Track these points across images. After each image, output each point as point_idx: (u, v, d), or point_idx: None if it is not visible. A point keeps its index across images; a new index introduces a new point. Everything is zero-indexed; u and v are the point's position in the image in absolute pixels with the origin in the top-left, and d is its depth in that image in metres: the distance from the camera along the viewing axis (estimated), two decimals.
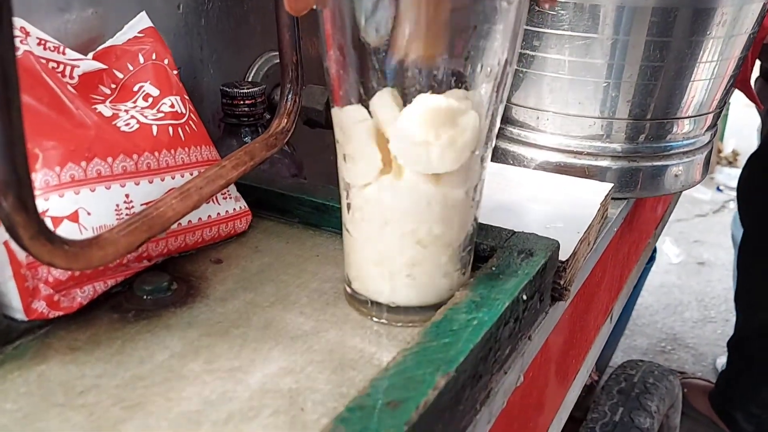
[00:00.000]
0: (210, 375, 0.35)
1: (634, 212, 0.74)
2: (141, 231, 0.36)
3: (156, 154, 0.42)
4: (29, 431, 0.31)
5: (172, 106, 0.45)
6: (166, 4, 0.58)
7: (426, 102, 0.34)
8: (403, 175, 0.36)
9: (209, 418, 0.32)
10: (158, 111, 0.44)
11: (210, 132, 0.49)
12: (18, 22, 0.41)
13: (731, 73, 0.65)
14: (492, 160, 0.60)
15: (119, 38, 0.48)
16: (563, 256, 0.46)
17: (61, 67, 0.43)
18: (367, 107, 0.36)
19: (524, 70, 0.63)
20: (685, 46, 0.59)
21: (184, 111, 0.46)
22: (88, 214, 0.38)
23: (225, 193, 0.47)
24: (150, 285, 0.41)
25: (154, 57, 0.47)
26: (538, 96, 0.64)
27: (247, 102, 0.58)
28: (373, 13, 0.34)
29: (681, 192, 0.74)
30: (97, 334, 0.38)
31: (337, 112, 0.38)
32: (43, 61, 0.41)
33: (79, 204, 0.38)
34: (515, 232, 0.45)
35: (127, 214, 0.40)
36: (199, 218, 0.45)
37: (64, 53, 0.44)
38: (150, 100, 0.45)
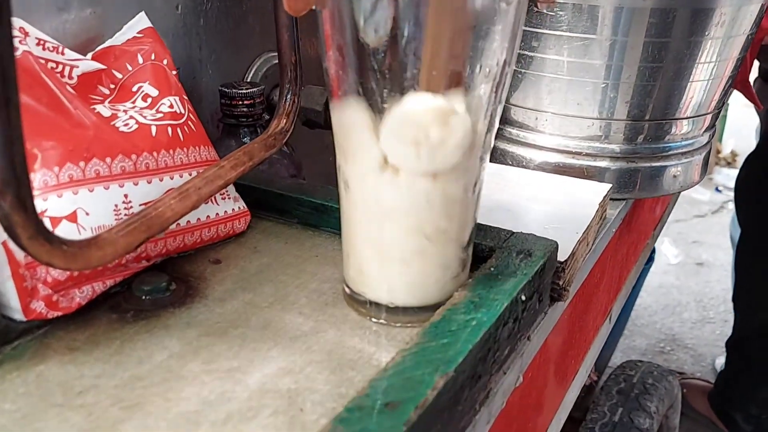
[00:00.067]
0: (209, 375, 0.35)
1: (632, 213, 0.75)
2: (140, 231, 0.36)
3: (155, 154, 0.42)
4: (28, 431, 0.31)
5: (171, 106, 0.45)
6: (165, 5, 0.58)
7: (416, 101, 0.34)
8: (400, 172, 0.36)
9: (208, 419, 0.32)
10: (157, 111, 0.44)
11: (209, 132, 0.49)
12: (17, 22, 0.41)
13: (730, 73, 0.65)
14: (491, 161, 0.60)
15: (118, 38, 0.48)
16: (562, 256, 0.46)
17: (60, 67, 0.43)
18: (366, 102, 0.36)
19: (523, 70, 0.63)
20: (683, 46, 0.59)
21: (182, 111, 0.46)
22: (87, 214, 0.38)
23: (224, 193, 0.47)
24: (149, 285, 0.41)
25: (153, 57, 0.47)
26: (537, 97, 0.64)
27: (245, 102, 0.58)
28: (372, 13, 0.34)
29: (680, 193, 0.75)
30: (96, 335, 0.38)
31: (336, 107, 0.38)
32: (42, 61, 0.41)
33: (78, 204, 0.38)
34: (514, 233, 0.45)
35: (125, 215, 0.40)
36: (198, 218, 0.45)
37: (63, 53, 0.44)
38: (149, 100, 0.45)
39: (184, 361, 0.36)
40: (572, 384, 0.69)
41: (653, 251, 1.47)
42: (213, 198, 0.46)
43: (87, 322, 0.39)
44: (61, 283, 0.38)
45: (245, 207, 0.49)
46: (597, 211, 0.54)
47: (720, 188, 2.79)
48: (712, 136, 0.71)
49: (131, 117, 0.43)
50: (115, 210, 0.40)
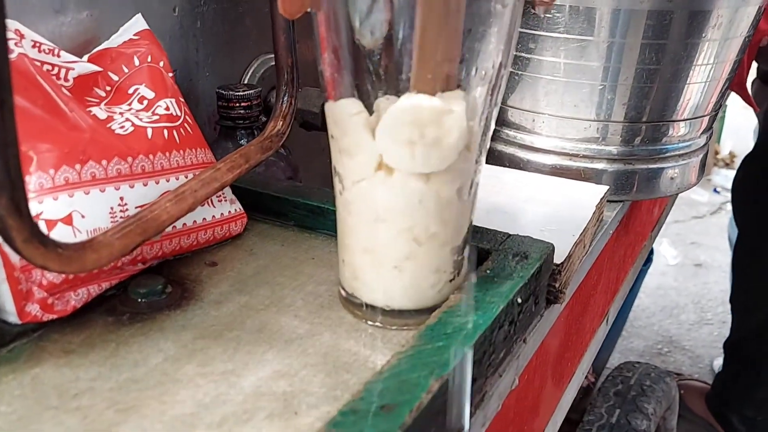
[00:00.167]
0: (204, 378, 0.35)
1: (629, 215, 0.75)
2: (135, 234, 0.36)
3: (151, 156, 0.42)
4: None
5: (167, 108, 0.45)
6: (162, 7, 0.58)
7: (411, 101, 0.34)
8: (394, 172, 0.36)
9: (203, 422, 0.32)
10: (153, 113, 0.44)
11: (206, 134, 0.49)
12: (12, 24, 0.41)
13: (727, 75, 0.65)
14: (487, 162, 0.60)
15: (114, 41, 0.48)
16: (558, 258, 0.46)
17: (56, 69, 0.43)
18: (362, 102, 0.36)
19: (520, 72, 0.63)
20: (680, 48, 0.59)
21: (179, 113, 0.45)
22: (83, 217, 0.38)
23: (220, 195, 0.47)
24: (144, 288, 0.41)
25: (149, 59, 0.47)
26: (534, 98, 0.64)
27: (242, 105, 0.58)
28: (368, 15, 0.34)
29: (677, 194, 0.75)
30: (92, 337, 0.38)
31: (331, 106, 0.38)
32: (38, 64, 0.41)
33: (74, 207, 0.38)
34: (510, 235, 0.45)
35: (121, 217, 0.40)
36: (194, 221, 0.45)
37: (58, 56, 0.44)
38: (145, 102, 0.45)
39: (179, 363, 0.36)
40: (569, 386, 0.69)
41: (651, 252, 1.47)
42: (209, 200, 0.46)
43: (82, 325, 0.39)
44: (56, 286, 0.38)
45: (241, 209, 0.49)
46: (594, 213, 0.54)
47: (718, 189, 2.79)
48: (710, 138, 0.71)
49: (127, 119, 0.43)
50: (110, 213, 0.40)
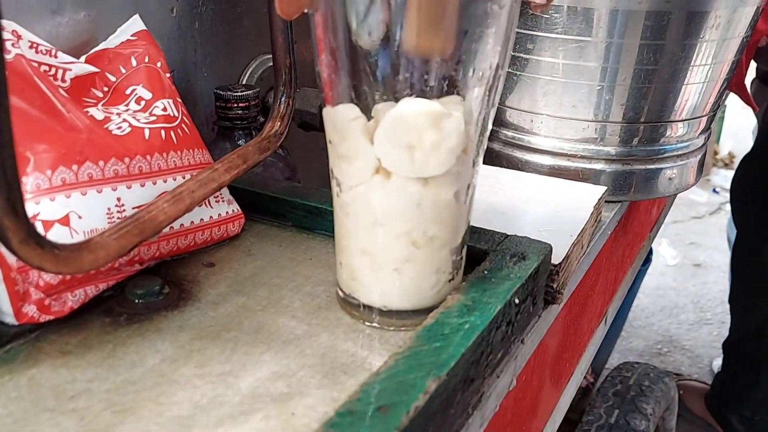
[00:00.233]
0: (201, 379, 0.35)
1: (628, 215, 0.75)
2: (132, 235, 0.36)
3: (148, 157, 0.42)
4: None
5: (165, 109, 0.45)
6: (160, 7, 0.58)
7: (410, 106, 0.34)
8: (392, 176, 0.36)
9: (200, 423, 0.32)
10: (150, 114, 0.44)
11: (204, 135, 0.49)
12: (9, 24, 0.41)
13: (725, 76, 0.65)
14: (485, 163, 0.60)
15: (112, 41, 0.48)
16: (556, 259, 0.46)
17: (53, 70, 0.43)
18: (359, 107, 0.36)
19: (518, 73, 0.63)
20: (678, 49, 0.59)
21: (176, 114, 0.45)
22: (80, 217, 0.38)
23: (218, 196, 0.47)
24: (142, 289, 0.41)
25: (146, 60, 0.47)
26: (532, 99, 0.64)
27: (240, 105, 0.58)
28: (366, 16, 0.34)
29: (676, 195, 0.75)
30: (89, 338, 0.38)
31: (329, 112, 0.38)
32: (35, 65, 0.41)
33: (71, 208, 0.38)
34: (508, 235, 0.45)
35: (118, 218, 0.40)
36: (192, 222, 0.45)
37: (56, 56, 0.44)
38: (142, 103, 0.45)
39: (176, 365, 0.36)
40: (567, 387, 0.69)
41: (650, 252, 1.47)
42: (207, 201, 0.46)
43: (80, 326, 0.39)
44: (53, 287, 0.38)
45: (239, 210, 0.49)
46: (592, 213, 0.54)
47: (717, 190, 2.79)
48: (708, 139, 0.71)
49: (124, 120, 0.43)
50: (108, 213, 0.40)
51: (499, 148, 0.68)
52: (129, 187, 0.41)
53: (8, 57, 0.38)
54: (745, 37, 0.63)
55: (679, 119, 0.64)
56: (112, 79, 0.46)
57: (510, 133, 0.67)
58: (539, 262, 0.42)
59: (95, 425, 0.32)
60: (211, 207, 0.47)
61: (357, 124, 0.36)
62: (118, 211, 0.40)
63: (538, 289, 0.44)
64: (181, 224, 0.44)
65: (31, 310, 0.37)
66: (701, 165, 0.70)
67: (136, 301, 0.41)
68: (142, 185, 0.42)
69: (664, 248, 2.30)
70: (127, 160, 0.41)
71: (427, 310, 0.38)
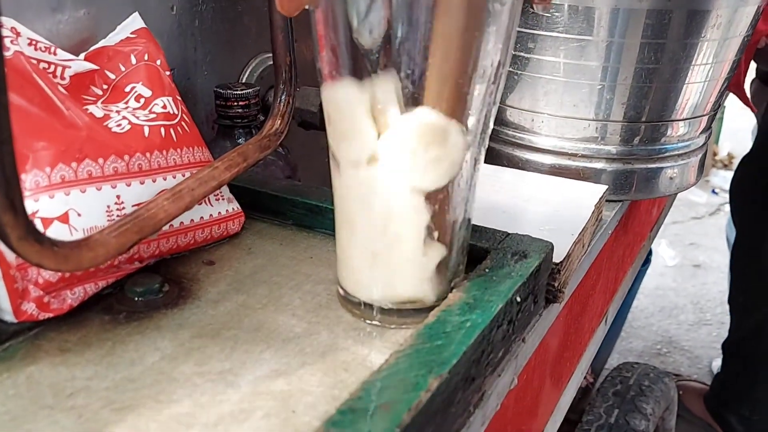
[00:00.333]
0: (201, 377, 0.35)
1: (628, 214, 0.74)
2: (132, 232, 0.36)
3: (147, 155, 0.42)
4: None
5: (164, 107, 0.45)
6: (160, 5, 0.58)
7: (418, 117, 0.34)
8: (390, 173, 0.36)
9: (200, 421, 0.32)
10: (150, 112, 0.44)
11: (204, 133, 0.48)
12: (9, 22, 0.41)
13: (726, 75, 0.65)
14: (487, 162, 0.60)
15: (112, 39, 0.48)
16: (557, 258, 0.46)
17: (53, 67, 0.43)
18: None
19: (519, 72, 0.63)
20: (679, 48, 0.59)
21: (176, 112, 0.45)
22: (79, 215, 0.38)
23: (218, 194, 0.47)
24: (141, 286, 0.41)
25: (146, 58, 0.47)
26: (533, 98, 0.63)
27: (240, 103, 0.58)
28: (367, 13, 0.34)
29: (676, 194, 0.74)
30: (88, 336, 0.38)
31: (329, 88, 0.37)
32: (34, 62, 0.40)
33: (70, 205, 0.38)
34: (509, 234, 0.44)
35: (118, 216, 0.40)
36: (192, 220, 0.45)
37: (55, 54, 0.43)
38: (142, 101, 0.45)
39: (176, 362, 0.36)
40: (568, 386, 0.69)
41: (650, 253, 1.47)
42: (207, 199, 0.46)
43: (79, 324, 0.39)
44: (52, 285, 0.37)
45: (239, 208, 0.49)
46: (593, 212, 0.54)
47: (717, 190, 2.79)
48: (708, 138, 0.71)
49: (124, 117, 0.43)
50: (107, 211, 0.40)
51: (500, 147, 0.68)
52: (128, 185, 0.41)
53: (7, 54, 0.38)
54: (746, 36, 0.63)
55: (680, 118, 0.64)
56: (112, 76, 0.46)
57: (511, 132, 0.66)
58: (540, 261, 0.42)
59: (94, 423, 0.32)
60: (211, 205, 0.47)
61: (358, 99, 0.35)
62: (117, 209, 0.40)
63: (540, 287, 0.44)
64: (181, 222, 0.44)
65: (30, 307, 0.37)
66: (702, 164, 0.70)
67: (136, 299, 0.41)
68: (142, 183, 0.42)
69: (663, 249, 2.30)
70: (126, 157, 0.41)
71: (428, 309, 0.38)
